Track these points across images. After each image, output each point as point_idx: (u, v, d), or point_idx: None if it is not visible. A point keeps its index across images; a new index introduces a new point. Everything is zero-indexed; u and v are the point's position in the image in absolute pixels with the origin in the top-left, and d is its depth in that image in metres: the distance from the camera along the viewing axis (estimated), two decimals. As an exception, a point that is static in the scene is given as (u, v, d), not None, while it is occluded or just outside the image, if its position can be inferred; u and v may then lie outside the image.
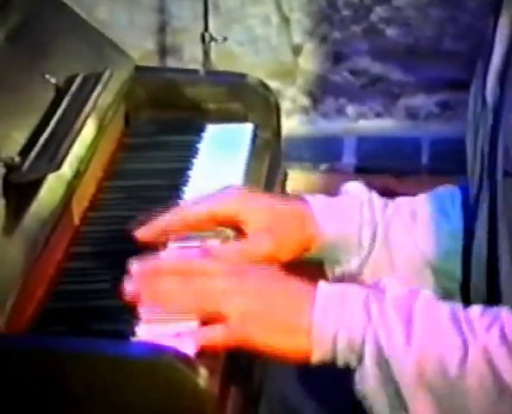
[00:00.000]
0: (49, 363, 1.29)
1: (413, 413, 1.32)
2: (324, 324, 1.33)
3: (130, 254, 1.42)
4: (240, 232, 1.52)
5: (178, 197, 1.68)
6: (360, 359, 1.33)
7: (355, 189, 1.64)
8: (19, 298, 1.39)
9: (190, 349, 1.31)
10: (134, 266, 1.38)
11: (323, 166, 3.11)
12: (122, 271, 1.39)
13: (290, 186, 1.92)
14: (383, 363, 1.31)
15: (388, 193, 1.64)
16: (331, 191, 1.65)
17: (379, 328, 1.32)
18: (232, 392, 1.39)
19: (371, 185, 1.63)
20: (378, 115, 3.06)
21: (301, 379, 1.63)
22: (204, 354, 1.33)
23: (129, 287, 1.36)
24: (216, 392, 1.32)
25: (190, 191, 1.70)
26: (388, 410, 1.33)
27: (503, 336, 1.30)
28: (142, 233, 1.49)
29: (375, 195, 1.63)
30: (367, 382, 1.33)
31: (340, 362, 1.34)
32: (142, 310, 1.36)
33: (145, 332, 1.35)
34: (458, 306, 1.34)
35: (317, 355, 1.34)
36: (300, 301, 1.35)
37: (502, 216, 1.42)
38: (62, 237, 1.56)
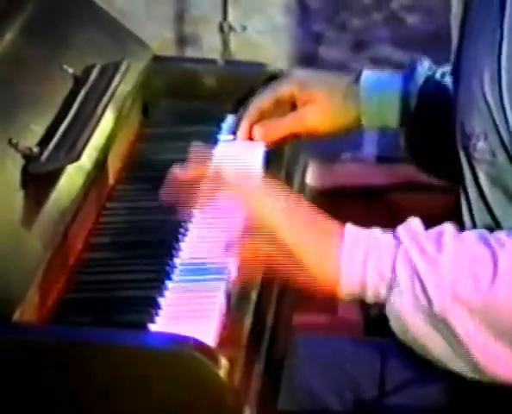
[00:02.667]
0: (69, 354, 1.30)
1: (449, 326, 1.31)
2: (353, 253, 1.34)
3: (150, 245, 1.43)
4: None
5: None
6: (391, 286, 1.33)
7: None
8: (40, 288, 1.40)
9: (209, 337, 1.31)
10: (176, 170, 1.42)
11: (345, 156, 3.11)
12: (142, 261, 1.40)
13: (312, 176, 1.93)
14: (416, 281, 1.32)
15: (409, 183, 1.66)
16: (353, 181, 1.68)
17: (410, 247, 1.33)
18: (252, 382, 1.39)
19: (392, 175, 1.66)
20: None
21: (325, 371, 1.65)
22: (225, 340, 1.33)
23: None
24: (237, 382, 1.32)
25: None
26: (426, 327, 1.33)
27: None
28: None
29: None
30: (402, 305, 1.33)
31: (370, 293, 1.34)
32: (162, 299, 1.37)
33: (164, 322, 1.36)
34: (483, 230, 1.36)
35: (346, 284, 1.34)
36: (330, 233, 1.37)
37: None
38: (82, 228, 1.56)
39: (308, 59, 3.04)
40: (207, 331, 1.33)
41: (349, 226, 1.37)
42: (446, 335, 1.32)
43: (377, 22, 3.04)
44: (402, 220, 1.38)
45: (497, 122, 1.38)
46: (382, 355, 1.59)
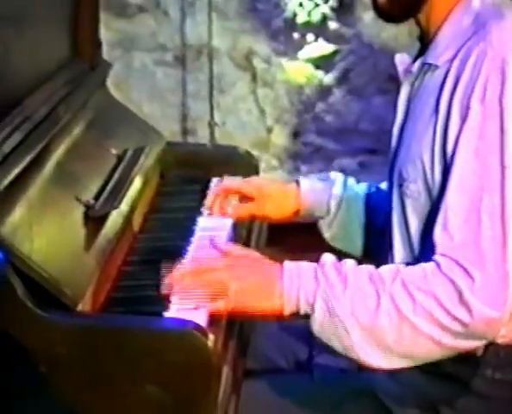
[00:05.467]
0: (113, 332, 1.27)
1: (350, 338, 1.28)
2: (290, 290, 1.30)
3: (166, 263, 1.40)
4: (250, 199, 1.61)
5: (195, 223, 1.63)
6: (313, 309, 1.29)
7: (333, 175, 1.63)
8: (94, 290, 1.38)
9: (202, 321, 1.29)
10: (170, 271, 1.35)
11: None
12: (159, 273, 1.37)
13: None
14: (329, 307, 1.28)
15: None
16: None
17: (324, 286, 1.28)
18: (229, 348, 1.37)
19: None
20: (321, 171, 3.05)
21: (275, 341, 1.60)
22: (211, 323, 1.30)
23: (166, 285, 1.34)
24: (219, 349, 1.31)
25: (203, 220, 1.65)
26: (333, 337, 1.29)
27: (403, 284, 1.26)
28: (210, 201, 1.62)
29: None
30: (318, 322, 1.29)
31: (302, 312, 1.30)
32: (173, 297, 1.34)
33: (174, 312, 1.33)
34: (373, 267, 1.31)
35: (287, 310, 1.31)
36: (273, 277, 1.31)
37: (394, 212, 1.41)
38: (121, 251, 1.54)
39: (262, 144, 3.03)
40: (200, 318, 1.30)
41: (286, 268, 1.32)
42: (342, 340, 1.28)
43: (307, 120, 3.04)
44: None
45: (427, 174, 1.33)
46: (310, 331, 1.56)
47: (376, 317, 1.26)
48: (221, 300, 1.31)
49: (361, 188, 1.62)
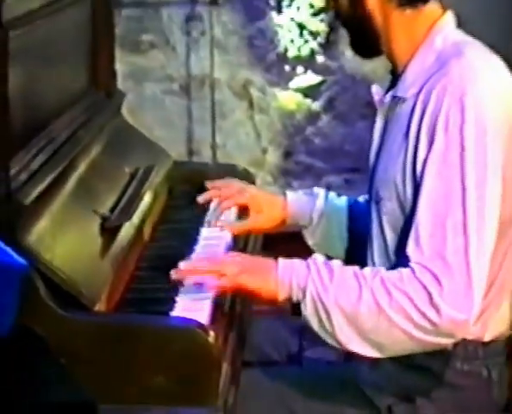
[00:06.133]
0: (126, 329, 1.27)
1: (332, 323, 1.29)
2: (283, 278, 1.31)
3: (170, 267, 1.40)
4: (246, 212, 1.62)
5: (198, 232, 1.63)
6: (304, 294, 1.29)
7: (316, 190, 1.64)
8: (109, 292, 1.38)
9: (204, 320, 1.29)
10: (181, 264, 1.35)
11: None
12: (166, 277, 1.37)
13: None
14: (318, 293, 1.28)
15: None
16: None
17: (314, 275, 1.29)
18: (228, 343, 1.37)
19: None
20: (310, 187, 3.03)
21: (269, 336, 1.60)
22: (213, 322, 1.30)
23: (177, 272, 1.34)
24: (219, 344, 1.30)
25: (205, 230, 1.64)
26: (319, 321, 1.29)
27: (382, 281, 1.27)
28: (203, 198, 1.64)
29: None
30: (308, 307, 1.29)
31: (294, 297, 1.31)
32: (178, 298, 1.34)
33: (179, 311, 1.33)
34: (357, 267, 1.32)
35: (281, 296, 1.31)
36: (269, 267, 1.33)
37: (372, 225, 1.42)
38: (132, 257, 1.53)
39: (258, 163, 3.03)
40: (203, 317, 1.30)
41: (281, 260, 1.33)
42: (327, 324, 1.29)
43: (297, 142, 3.04)
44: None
45: (400, 194, 1.34)
46: (301, 327, 1.56)
47: (357, 307, 1.27)
48: (224, 278, 1.31)
49: (341, 201, 1.63)
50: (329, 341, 1.30)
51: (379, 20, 1.36)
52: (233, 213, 1.66)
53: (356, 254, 1.51)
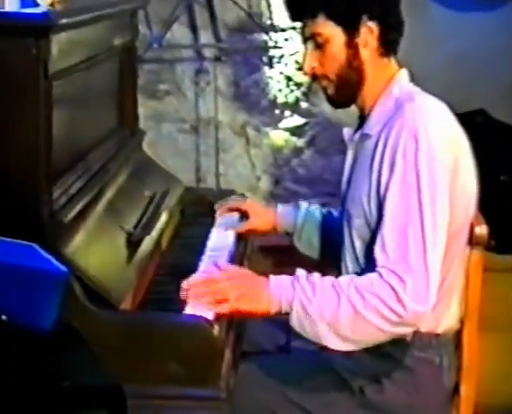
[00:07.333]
0: (147, 324, 1.26)
1: (316, 330, 1.28)
2: (274, 296, 1.30)
3: (184, 275, 1.39)
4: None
5: (205, 245, 1.62)
6: (291, 309, 1.29)
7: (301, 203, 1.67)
8: (132, 293, 1.37)
9: (210, 316, 1.28)
10: (185, 282, 1.34)
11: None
12: (180, 283, 1.36)
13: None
14: (303, 307, 1.28)
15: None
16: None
17: (299, 292, 1.29)
18: (229, 336, 1.36)
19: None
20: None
21: (263, 331, 1.58)
22: (217, 318, 1.29)
23: (183, 292, 1.33)
24: (222, 336, 1.30)
25: (211, 242, 1.64)
26: (305, 329, 1.29)
27: (356, 288, 1.27)
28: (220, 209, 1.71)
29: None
30: (295, 318, 1.29)
31: (283, 311, 1.30)
32: (189, 301, 1.33)
33: (189, 310, 1.32)
34: (333, 277, 1.31)
35: (273, 311, 1.31)
36: (262, 287, 1.31)
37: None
38: (152, 265, 1.53)
39: (253, 189, 3.03)
40: (209, 314, 1.29)
41: (272, 278, 1.32)
42: (312, 331, 1.29)
43: (285, 172, 3.03)
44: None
45: (366, 213, 1.35)
46: (288, 323, 1.55)
47: (337, 314, 1.27)
48: (225, 305, 1.31)
49: (320, 211, 1.65)
50: (313, 340, 1.30)
51: (368, 68, 1.38)
52: (236, 215, 1.72)
53: (333, 257, 1.49)
